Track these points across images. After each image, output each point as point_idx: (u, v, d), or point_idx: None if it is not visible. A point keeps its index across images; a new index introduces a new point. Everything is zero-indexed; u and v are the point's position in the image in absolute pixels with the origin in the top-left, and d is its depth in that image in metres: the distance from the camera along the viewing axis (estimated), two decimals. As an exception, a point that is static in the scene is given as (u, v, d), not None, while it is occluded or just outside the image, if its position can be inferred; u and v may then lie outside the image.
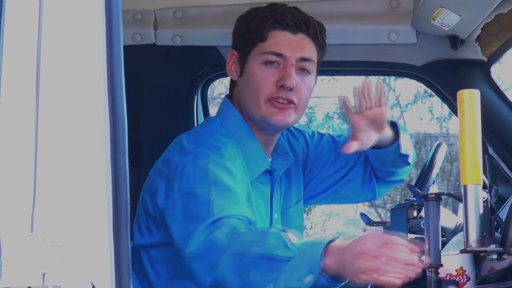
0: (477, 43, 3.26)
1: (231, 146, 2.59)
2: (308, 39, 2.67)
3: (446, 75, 3.31)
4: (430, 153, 2.79)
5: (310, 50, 2.67)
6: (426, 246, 2.24)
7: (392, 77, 13.56)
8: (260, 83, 2.62)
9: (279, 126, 2.67)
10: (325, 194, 3.00)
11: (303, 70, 2.66)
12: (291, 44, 2.64)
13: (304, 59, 2.65)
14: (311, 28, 2.66)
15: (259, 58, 2.65)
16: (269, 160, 2.75)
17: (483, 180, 2.21)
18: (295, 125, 2.83)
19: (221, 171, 2.44)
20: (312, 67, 2.68)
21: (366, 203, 13.45)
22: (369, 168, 2.95)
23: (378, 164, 2.88)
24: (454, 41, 3.23)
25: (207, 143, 2.56)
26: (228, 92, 2.80)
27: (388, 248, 2.04)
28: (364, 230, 12.85)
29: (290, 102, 2.62)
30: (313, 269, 2.11)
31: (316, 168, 2.97)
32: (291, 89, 2.61)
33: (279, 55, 2.63)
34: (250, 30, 2.67)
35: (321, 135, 3.01)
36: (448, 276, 2.33)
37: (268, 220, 2.72)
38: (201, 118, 3.44)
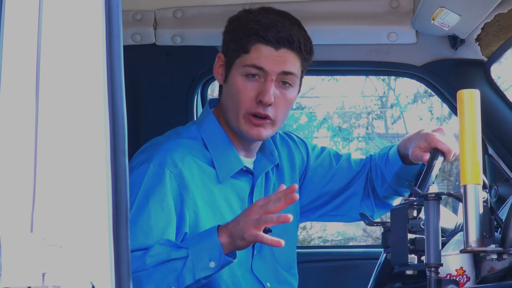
0: (477, 43, 3.26)
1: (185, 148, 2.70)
2: (291, 53, 2.71)
3: (446, 75, 3.31)
4: (430, 153, 2.78)
5: (292, 64, 2.71)
6: (426, 246, 2.24)
7: (392, 77, 13.56)
8: (240, 96, 2.69)
9: (254, 140, 2.76)
10: (325, 209, 3.05)
11: (285, 84, 2.72)
12: (273, 59, 2.69)
13: (285, 73, 2.70)
14: (295, 43, 2.69)
15: (241, 70, 2.70)
16: (252, 160, 2.82)
17: (483, 180, 2.21)
18: (300, 132, 2.88)
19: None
20: (294, 79, 2.73)
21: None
22: (368, 185, 3.01)
23: (397, 180, 2.92)
24: (454, 41, 3.23)
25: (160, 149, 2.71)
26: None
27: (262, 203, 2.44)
28: (364, 230, 12.84)
29: (267, 117, 2.69)
30: (214, 254, 2.45)
31: (315, 179, 3.01)
32: (269, 104, 2.67)
33: (260, 68, 2.68)
34: (235, 40, 2.73)
35: (323, 149, 3.07)
36: (448, 276, 2.33)
37: None
38: (201, 118, 3.44)
